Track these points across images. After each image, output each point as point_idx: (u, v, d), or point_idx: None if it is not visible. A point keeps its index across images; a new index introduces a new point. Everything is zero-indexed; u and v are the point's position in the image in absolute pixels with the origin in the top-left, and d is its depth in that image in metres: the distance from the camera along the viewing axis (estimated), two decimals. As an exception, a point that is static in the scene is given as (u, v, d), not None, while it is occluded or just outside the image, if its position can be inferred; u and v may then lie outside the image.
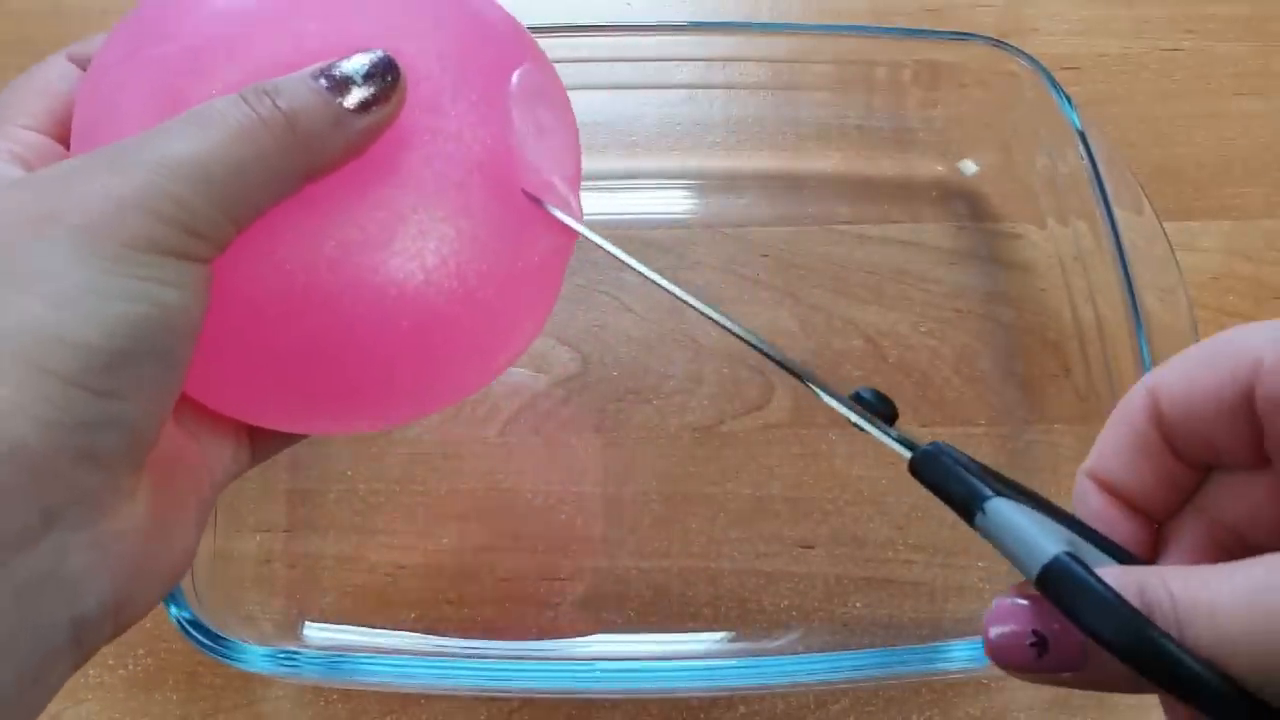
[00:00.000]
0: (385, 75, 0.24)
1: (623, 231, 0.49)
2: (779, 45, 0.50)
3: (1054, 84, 0.45)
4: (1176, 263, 0.41)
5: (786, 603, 0.42)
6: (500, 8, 0.29)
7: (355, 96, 0.24)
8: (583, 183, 0.52)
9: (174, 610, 0.35)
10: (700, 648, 0.41)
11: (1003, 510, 0.20)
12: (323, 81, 0.24)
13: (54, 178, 0.22)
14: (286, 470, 0.44)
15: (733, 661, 0.40)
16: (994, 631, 0.21)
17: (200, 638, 0.35)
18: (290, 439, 0.29)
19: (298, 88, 0.23)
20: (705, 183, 0.51)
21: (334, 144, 0.24)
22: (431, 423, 0.45)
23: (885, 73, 0.49)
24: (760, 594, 0.42)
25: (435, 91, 0.26)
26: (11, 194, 0.22)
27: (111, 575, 0.21)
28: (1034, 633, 0.20)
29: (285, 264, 0.24)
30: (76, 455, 0.20)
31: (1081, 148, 0.43)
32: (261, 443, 0.29)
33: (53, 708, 0.41)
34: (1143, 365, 0.39)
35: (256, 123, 0.22)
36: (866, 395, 0.26)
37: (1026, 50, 0.46)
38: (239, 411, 0.27)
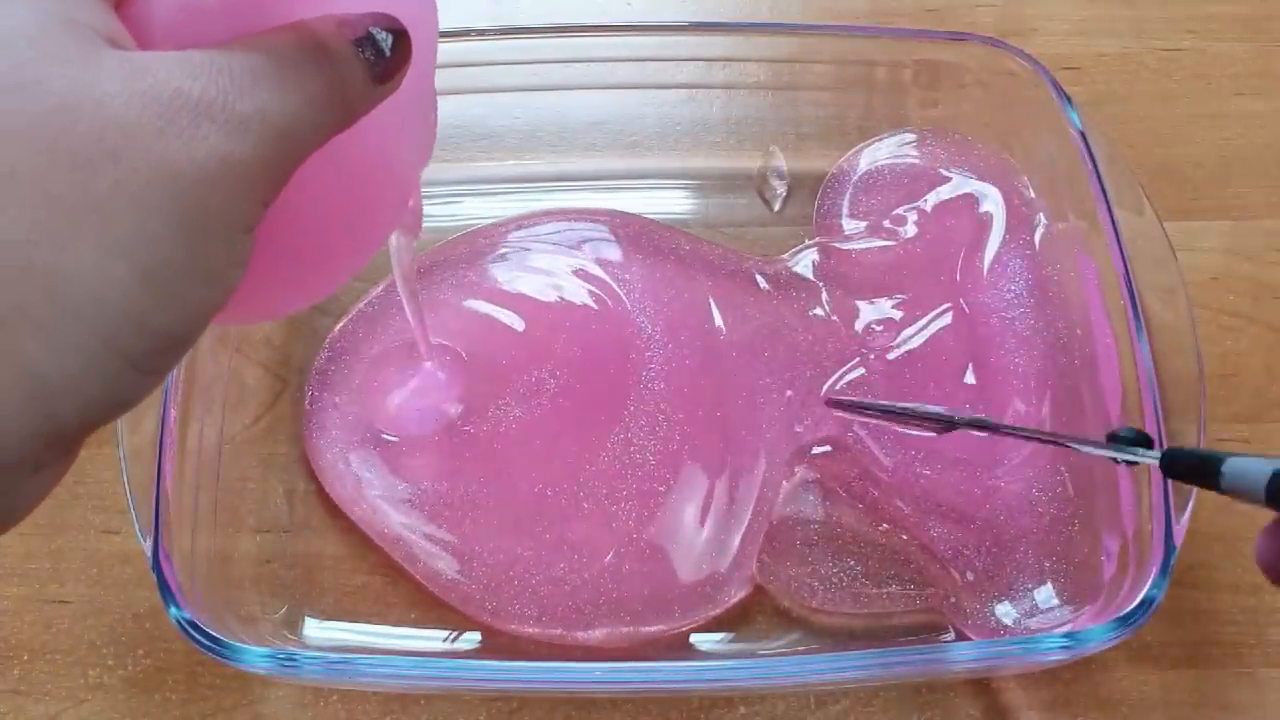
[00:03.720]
0: (404, 49, 0.23)
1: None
2: (779, 45, 0.50)
3: (1054, 84, 0.45)
4: (1177, 263, 0.41)
5: (787, 602, 0.42)
6: None
7: (381, 68, 0.23)
8: (584, 183, 0.52)
9: (174, 611, 0.35)
10: (700, 648, 0.41)
11: (1234, 466, 0.28)
12: (364, 51, 0.23)
13: (165, 101, 0.19)
14: (287, 470, 0.44)
15: (733, 661, 0.40)
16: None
17: (200, 638, 0.35)
18: None
19: (348, 54, 0.22)
20: (705, 183, 0.51)
21: (357, 112, 0.23)
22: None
23: (885, 73, 0.49)
24: (760, 594, 0.42)
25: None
26: (123, 105, 0.19)
27: None
28: None
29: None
30: (89, 431, 0.20)
31: (1082, 148, 0.43)
32: None
33: (53, 708, 0.41)
34: (1143, 366, 0.39)
35: (323, 89, 0.22)
36: (1128, 435, 0.34)
37: (1026, 50, 0.46)
38: None
